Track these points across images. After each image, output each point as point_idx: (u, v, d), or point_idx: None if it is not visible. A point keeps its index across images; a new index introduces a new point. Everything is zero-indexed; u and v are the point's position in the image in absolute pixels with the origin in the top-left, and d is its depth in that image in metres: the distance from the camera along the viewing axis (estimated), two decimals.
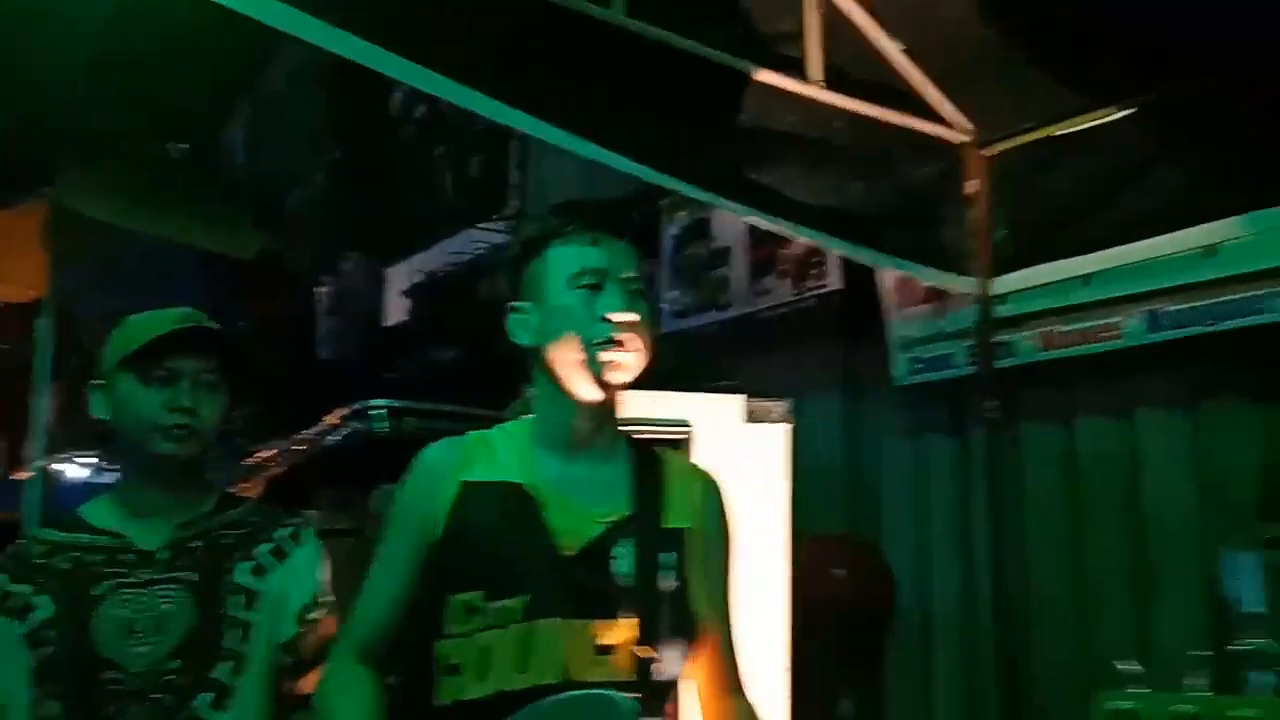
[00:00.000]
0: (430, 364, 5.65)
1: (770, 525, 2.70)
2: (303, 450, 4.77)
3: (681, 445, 2.54)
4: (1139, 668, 1.03)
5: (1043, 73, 2.73)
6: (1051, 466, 3.62)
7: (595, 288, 1.50)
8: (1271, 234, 2.70)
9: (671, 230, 4.83)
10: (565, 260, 1.52)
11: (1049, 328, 3.25)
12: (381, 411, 4.25)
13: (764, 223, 3.08)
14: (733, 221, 4.31)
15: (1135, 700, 1.17)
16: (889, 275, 3.67)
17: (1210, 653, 2.23)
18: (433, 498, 1.51)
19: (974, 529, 3.64)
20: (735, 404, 2.72)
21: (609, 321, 1.48)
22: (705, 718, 1.55)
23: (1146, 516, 3.37)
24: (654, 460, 1.58)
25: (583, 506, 1.49)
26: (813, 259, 3.99)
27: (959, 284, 3.14)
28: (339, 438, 4.47)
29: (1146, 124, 2.72)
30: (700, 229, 4.68)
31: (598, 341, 1.50)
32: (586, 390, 1.52)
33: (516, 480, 1.51)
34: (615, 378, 1.51)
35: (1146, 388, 3.38)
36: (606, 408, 1.54)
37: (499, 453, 1.55)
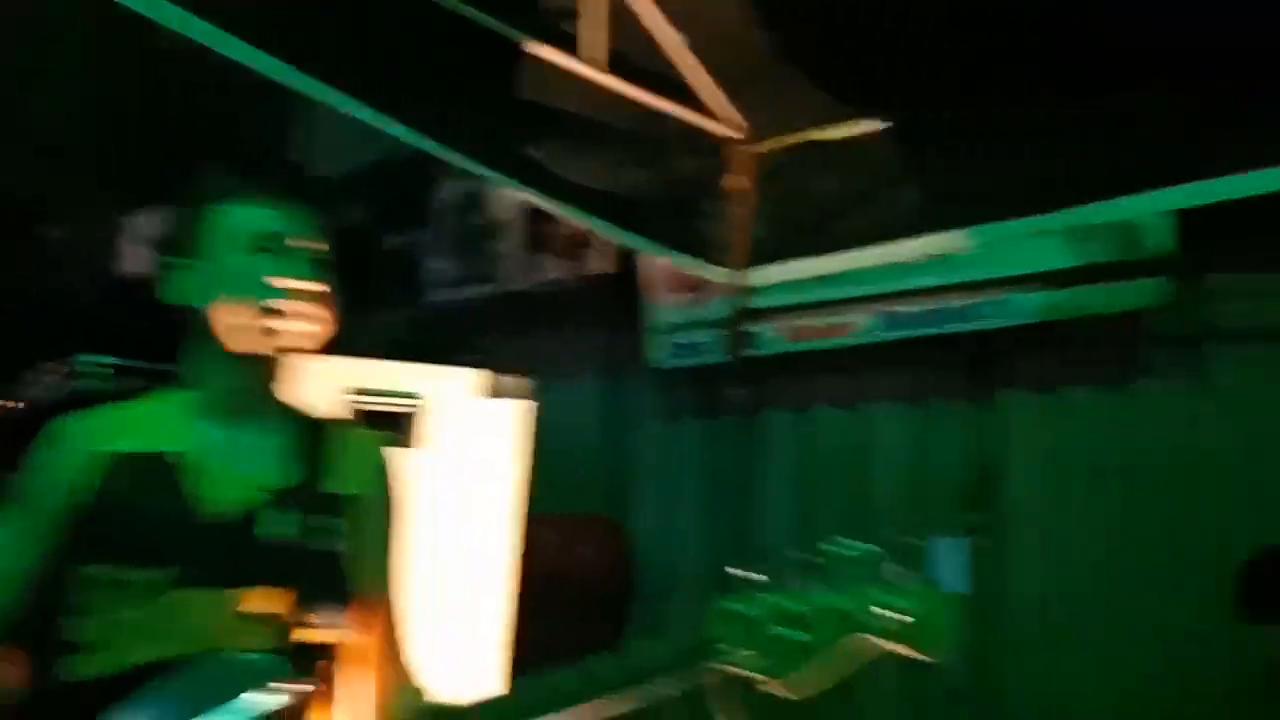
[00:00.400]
0: (166, 319, 5.29)
1: (498, 501, 2.70)
2: (11, 406, 4.34)
3: (410, 418, 2.50)
4: (760, 576, 1.11)
5: (814, 79, 2.86)
6: (789, 453, 3.86)
7: (272, 251, 1.46)
8: (992, 247, 2.98)
9: (443, 199, 4.76)
10: (243, 221, 1.47)
11: (795, 322, 3.42)
12: (101, 369, 3.91)
13: (533, 199, 3.08)
14: (510, 196, 4.30)
15: (745, 603, 1.26)
16: (653, 262, 3.76)
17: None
18: (63, 470, 1.45)
19: (720, 509, 3.79)
20: (474, 378, 2.70)
21: (280, 288, 1.44)
22: (364, 684, 1.54)
23: (873, 502, 3.66)
24: (320, 428, 1.55)
25: (241, 475, 1.46)
26: (583, 240, 4.03)
27: (717, 274, 3.24)
28: (52, 393, 4.09)
29: (899, 138, 2.91)
30: (474, 201, 4.64)
31: (267, 307, 1.45)
32: (251, 356, 1.48)
33: (169, 449, 1.46)
34: (282, 344, 1.47)
35: (878, 382, 3.65)
36: (272, 375, 1.50)
37: (149, 421, 1.49)
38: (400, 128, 2.48)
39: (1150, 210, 2.77)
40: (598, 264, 4.08)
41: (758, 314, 3.39)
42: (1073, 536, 3.27)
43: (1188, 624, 2.93)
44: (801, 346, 3.45)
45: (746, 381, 3.62)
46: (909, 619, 1.19)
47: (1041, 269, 3.07)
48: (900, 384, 3.62)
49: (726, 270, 3.24)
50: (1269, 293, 3.02)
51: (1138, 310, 2.96)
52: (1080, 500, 3.25)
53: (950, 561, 3.28)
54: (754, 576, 1.24)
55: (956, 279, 3.13)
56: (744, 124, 3.19)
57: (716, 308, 3.58)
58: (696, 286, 3.64)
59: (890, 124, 2.92)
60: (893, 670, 3.29)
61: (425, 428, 2.47)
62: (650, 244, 3.22)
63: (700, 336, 3.66)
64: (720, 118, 3.18)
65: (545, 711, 1.29)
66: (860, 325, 3.31)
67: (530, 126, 2.81)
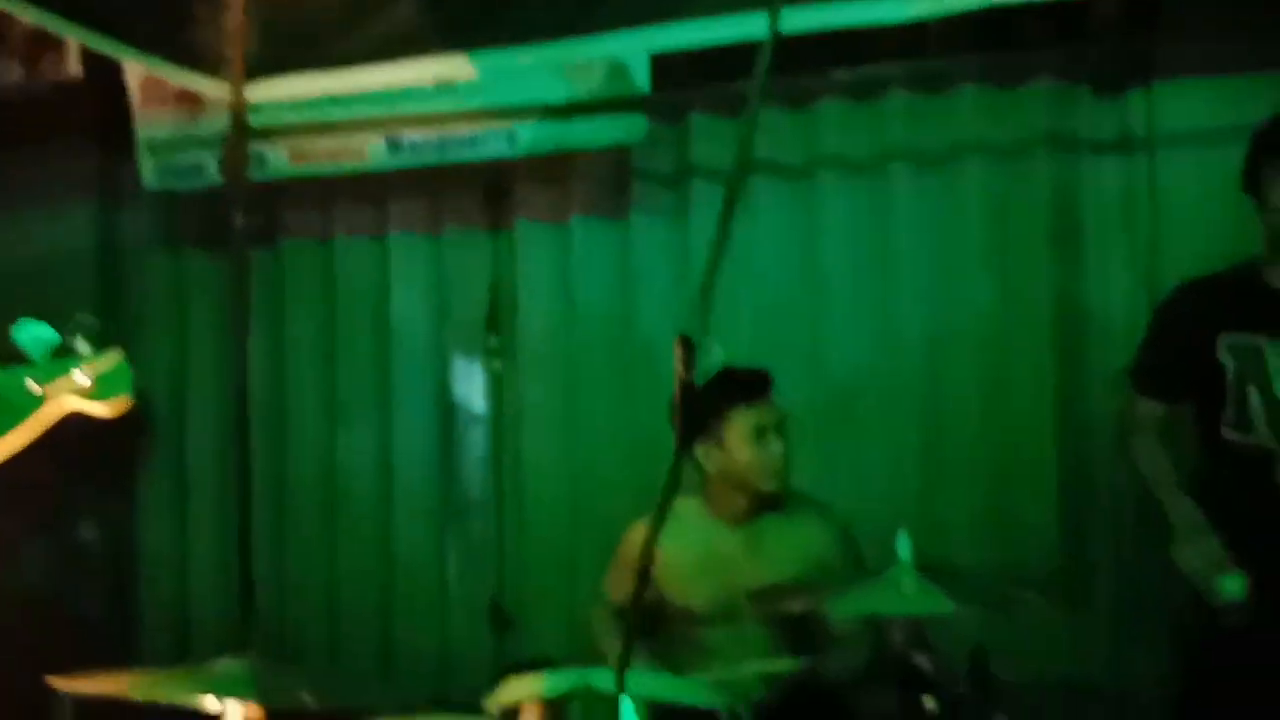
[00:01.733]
0: None
1: None
2: None
3: None
4: None
5: None
6: (311, 284, 3.74)
7: None
8: (497, 76, 3.01)
9: None
10: None
11: (300, 143, 3.28)
12: None
13: None
14: None
15: None
16: (135, 70, 3.40)
17: None
18: None
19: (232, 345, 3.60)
20: None
21: None
22: None
23: (393, 334, 3.66)
24: None
25: None
26: (47, 41, 3.52)
27: (209, 87, 3.00)
28: None
29: None
30: None
31: None
32: None
33: None
34: None
35: (397, 212, 3.61)
36: None
37: None
38: None
39: (632, 50, 2.91)
40: (69, 69, 3.59)
41: (258, 134, 3.20)
42: (579, 358, 3.47)
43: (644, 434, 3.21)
44: (306, 171, 3.31)
45: (255, 208, 3.44)
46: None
47: (543, 101, 3.14)
48: (418, 213, 3.59)
49: (219, 83, 3.01)
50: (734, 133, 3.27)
51: (625, 146, 3.12)
52: (585, 325, 3.44)
53: (472, 384, 3.57)
54: None
55: (463, 107, 3.13)
56: None
57: (212, 125, 3.33)
58: (190, 100, 3.34)
59: None
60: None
61: None
62: (131, 50, 2.91)
63: (196, 157, 3.39)
64: None
65: None
66: (367, 151, 3.23)
67: None
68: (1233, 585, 2.00)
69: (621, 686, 1.52)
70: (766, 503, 2.43)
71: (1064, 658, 2.98)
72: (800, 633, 2.42)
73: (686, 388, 1.24)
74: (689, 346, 1.23)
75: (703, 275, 3.16)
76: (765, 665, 2.21)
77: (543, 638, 3.19)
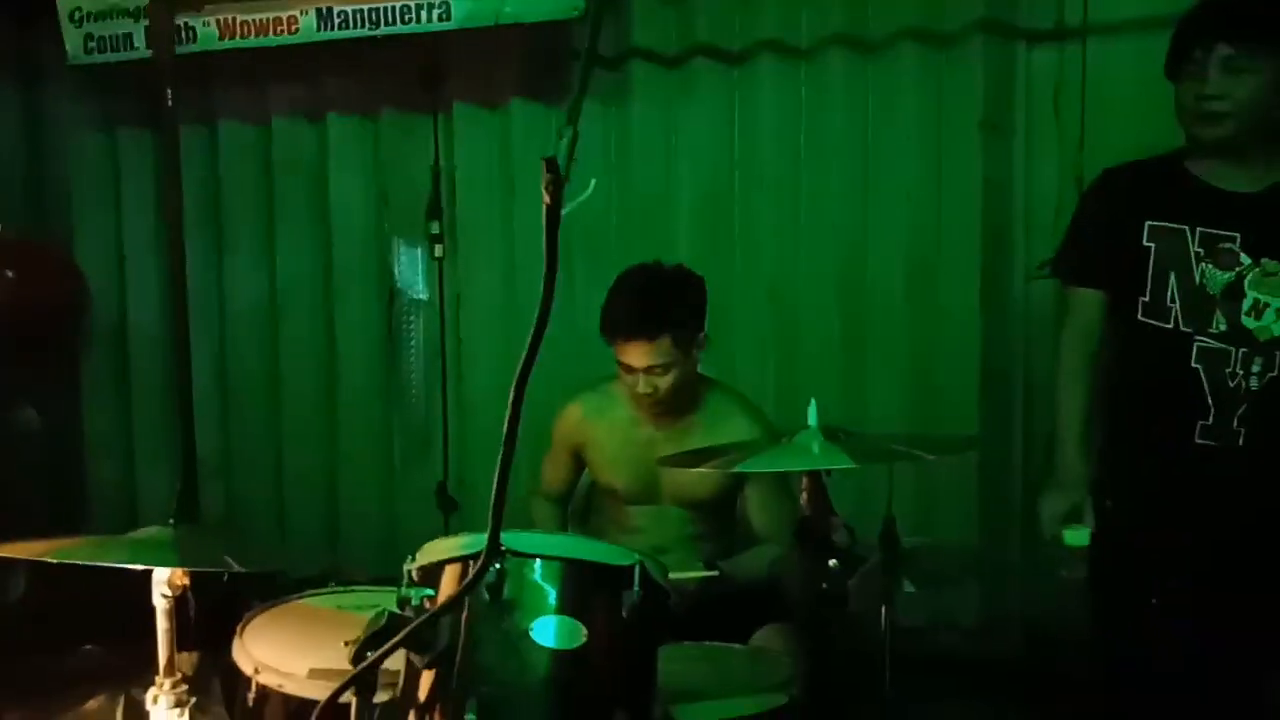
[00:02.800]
0: None
1: None
2: None
3: None
4: None
5: None
6: (250, 168, 3.67)
7: None
8: None
9: None
10: None
11: (229, 15, 3.19)
12: None
13: None
14: None
15: None
16: None
17: None
18: None
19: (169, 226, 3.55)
20: None
21: None
22: None
23: (333, 218, 3.60)
24: None
25: None
26: None
27: None
28: None
29: None
30: None
31: None
32: None
33: None
34: None
35: (333, 90, 3.54)
36: None
37: None
38: None
39: None
40: None
41: (182, 4, 3.10)
42: (519, 244, 3.46)
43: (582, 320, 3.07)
44: (237, 44, 3.21)
45: (187, 83, 3.36)
46: None
47: None
48: (354, 93, 3.52)
49: None
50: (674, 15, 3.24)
51: (563, 22, 3.05)
52: (524, 211, 3.42)
53: (413, 267, 3.55)
54: None
55: None
56: None
57: None
58: None
59: None
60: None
61: None
62: None
63: (123, 26, 3.28)
64: None
65: None
66: (298, 24, 3.14)
67: None
68: (1075, 537, 2.07)
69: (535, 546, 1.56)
70: (673, 408, 2.36)
71: (976, 528, 3.11)
72: (717, 522, 2.44)
73: (551, 212, 1.15)
74: (554, 169, 1.14)
75: (640, 167, 3.26)
76: (680, 575, 2.06)
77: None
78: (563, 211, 1.15)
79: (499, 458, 1.28)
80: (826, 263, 3.23)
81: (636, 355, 2.28)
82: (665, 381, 2.29)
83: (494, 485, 1.33)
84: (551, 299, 1.21)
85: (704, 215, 3.30)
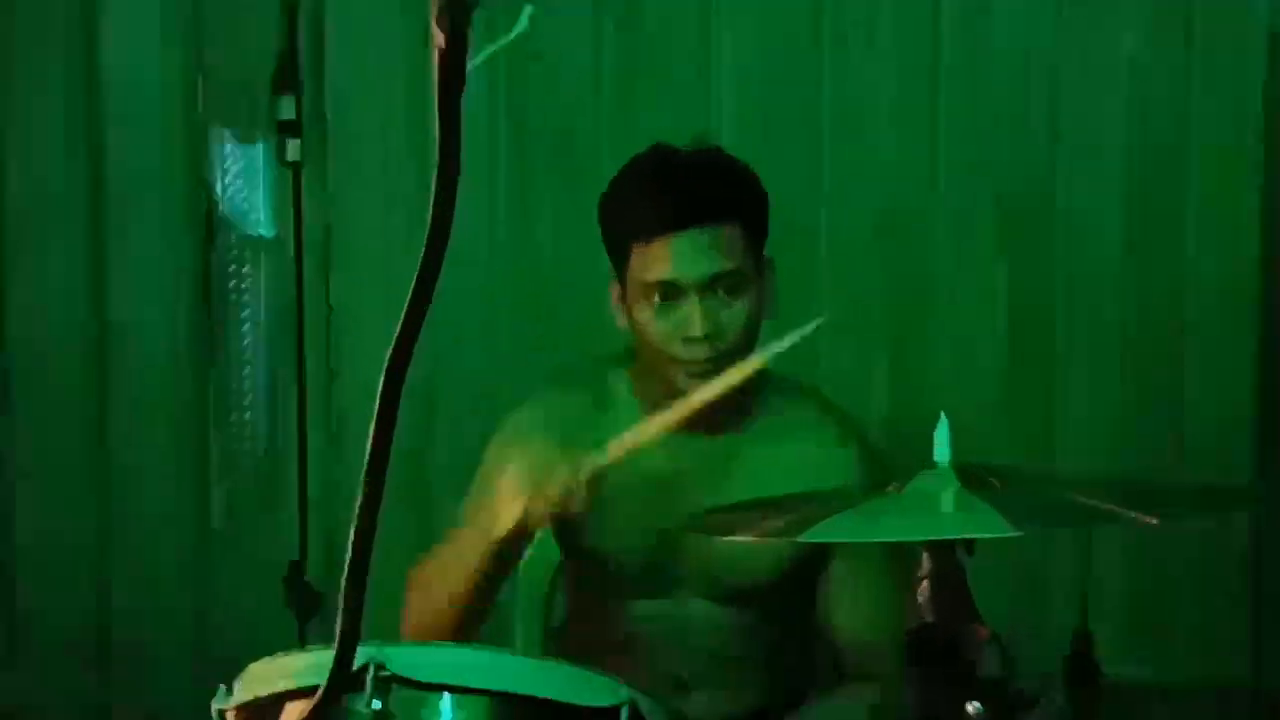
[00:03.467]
0: None
1: None
2: None
3: None
4: None
5: None
6: None
7: None
8: None
9: None
10: None
11: None
12: None
13: None
14: None
15: None
16: None
17: None
18: None
19: None
20: None
21: None
22: None
23: (107, 91, 2.63)
24: None
25: None
26: None
27: None
28: None
29: None
30: None
31: None
32: None
33: None
34: None
35: None
36: None
37: None
38: None
39: None
40: None
41: None
42: (430, 137, 2.59)
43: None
44: None
45: None
46: None
47: None
48: None
49: None
50: None
51: None
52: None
53: (249, 182, 2.70)
54: None
55: None
56: None
57: None
58: None
59: None
60: None
61: None
62: None
63: None
64: None
65: None
66: None
67: None
68: None
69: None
70: (721, 405, 1.68)
71: (1246, 653, 2.38)
72: (776, 630, 1.76)
73: (446, 64, 0.65)
74: None
75: None
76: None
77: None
78: (472, 62, 0.67)
79: (356, 506, 0.82)
80: (978, 184, 2.41)
81: (692, 258, 1.66)
82: (733, 314, 1.70)
83: (348, 556, 0.87)
84: (449, 220, 0.71)
85: (765, 90, 2.49)
